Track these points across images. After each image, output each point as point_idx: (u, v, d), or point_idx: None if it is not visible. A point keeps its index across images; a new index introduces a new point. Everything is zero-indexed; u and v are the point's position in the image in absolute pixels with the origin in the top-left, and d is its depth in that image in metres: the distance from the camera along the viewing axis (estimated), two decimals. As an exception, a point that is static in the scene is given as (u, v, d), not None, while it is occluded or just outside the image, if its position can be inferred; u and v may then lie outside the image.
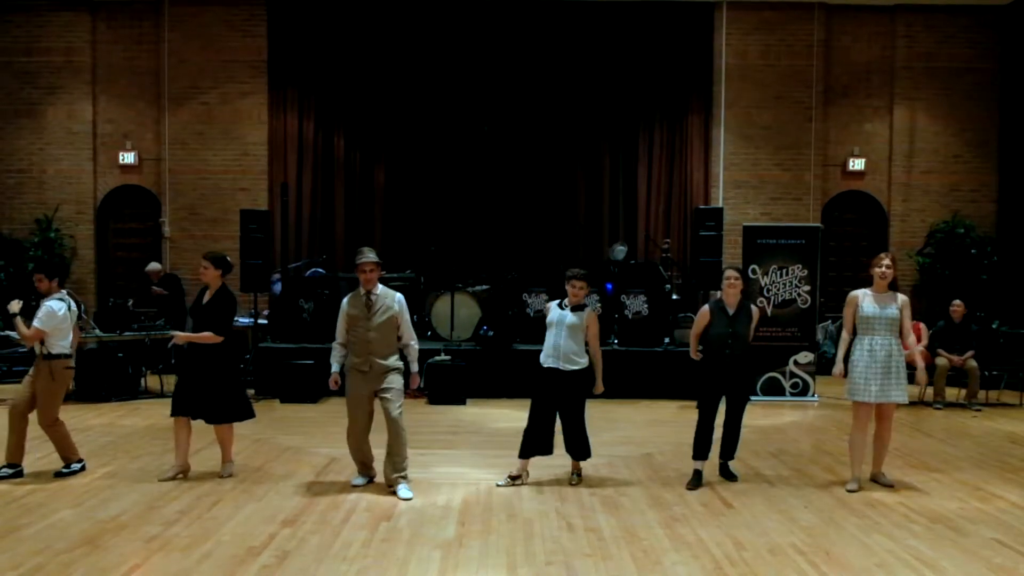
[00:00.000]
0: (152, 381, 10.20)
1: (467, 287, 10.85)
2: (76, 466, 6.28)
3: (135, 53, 12.72)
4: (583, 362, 5.99)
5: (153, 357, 10.27)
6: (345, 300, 5.93)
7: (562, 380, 5.97)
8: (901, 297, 6.06)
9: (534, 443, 6.05)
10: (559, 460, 6.53)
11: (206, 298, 6.14)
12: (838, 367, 6.19)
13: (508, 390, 9.70)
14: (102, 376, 9.52)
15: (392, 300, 5.84)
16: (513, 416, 8.75)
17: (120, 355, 9.67)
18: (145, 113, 12.74)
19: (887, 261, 6.07)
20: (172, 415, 6.14)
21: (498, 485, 6.02)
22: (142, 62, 12.70)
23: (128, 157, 12.73)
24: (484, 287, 11.03)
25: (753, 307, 6.28)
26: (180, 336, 6.14)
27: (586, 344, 6.05)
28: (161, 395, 9.85)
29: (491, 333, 10.21)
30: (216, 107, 12.63)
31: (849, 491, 5.97)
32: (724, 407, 6.27)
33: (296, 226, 12.78)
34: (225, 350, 6.13)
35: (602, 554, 4.65)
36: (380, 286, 5.87)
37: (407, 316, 5.93)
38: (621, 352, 10.07)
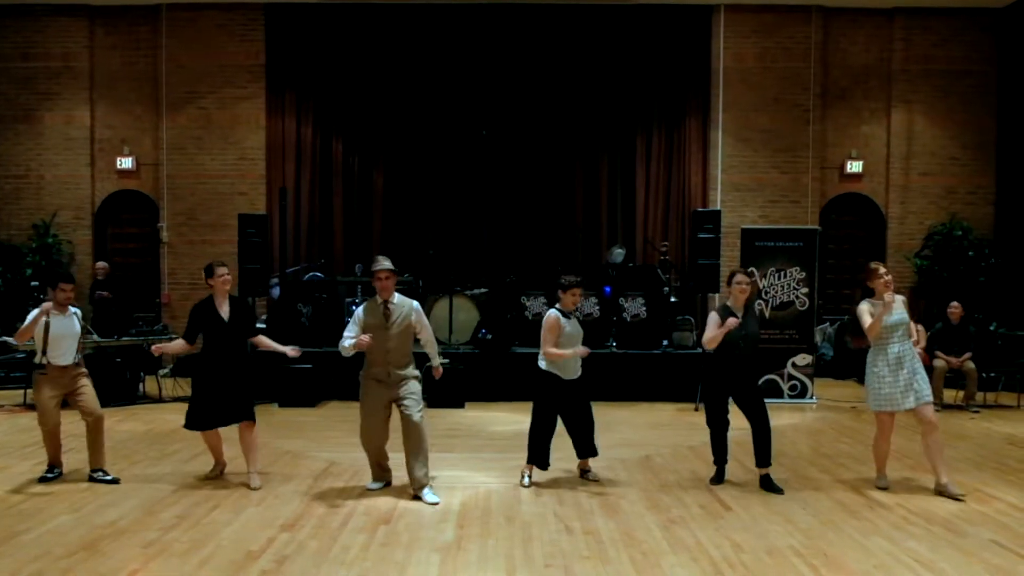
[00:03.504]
0: (150, 386, 10.19)
1: (465, 290, 10.85)
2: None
3: (133, 58, 12.74)
4: None
5: (151, 362, 10.27)
6: (360, 308, 5.90)
7: (578, 386, 6.15)
8: (900, 297, 6.04)
9: (544, 452, 6.15)
10: (559, 463, 6.53)
11: (227, 310, 6.04)
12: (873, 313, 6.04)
13: (507, 393, 9.71)
14: (100, 381, 9.42)
15: (409, 308, 5.84)
16: (511, 419, 8.76)
17: (118, 360, 9.66)
18: (143, 118, 12.76)
19: (884, 268, 6.02)
20: (199, 430, 6.09)
21: (524, 486, 6.12)
22: (140, 67, 12.72)
23: (126, 162, 12.74)
24: (482, 290, 11.04)
25: (756, 305, 6.29)
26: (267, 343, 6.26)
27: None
28: (159, 400, 9.86)
29: (490, 336, 10.21)
30: (214, 112, 12.64)
31: (880, 488, 6.05)
32: (738, 411, 6.23)
33: (294, 230, 12.79)
34: (247, 351, 6.21)
35: (600, 557, 4.65)
36: (397, 295, 5.86)
37: (425, 320, 5.91)
38: (619, 355, 10.07)
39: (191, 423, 6.06)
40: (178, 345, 6.24)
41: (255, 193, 12.64)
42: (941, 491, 5.95)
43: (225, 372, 6.03)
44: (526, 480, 6.16)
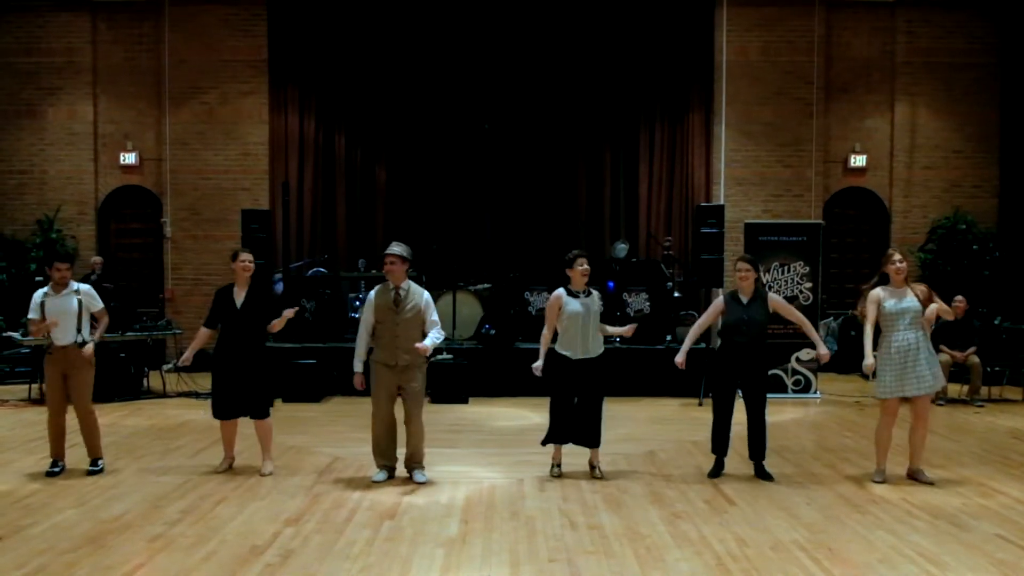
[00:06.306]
0: (155, 381, 10.21)
1: (469, 285, 10.85)
2: (101, 463, 6.33)
3: (135, 53, 12.74)
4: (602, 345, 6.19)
5: (155, 357, 10.30)
6: (373, 292, 6.03)
7: (590, 367, 6.08)
8: (917, 286, 6.07)
9: (563, 431, 6.18)
10: (562, 458, 6.54)
11: (242, 297, 6.12)
12: (868, 360, 6.10)
13: (510, 388, 9.70)
14: (105, 376, 9.46)
15: (420, 297, 5.95)
16: (515, 414, 8.77)
17: (122, 355, 9.67)
18: (146, 113, 12.76)
19: (898, 255, 6.08)
20: (221, 419, 6.22)
21: (554, 476, 6.17)
22: (143, 62, 12.72)
23: (129, 157, 12.75)
24: (486, 285, 11.03)
25: (771, 295, 6.28)
26: (277, 324, 6.19)
27: None
28: (164, 395, 9.88)
29: (493, 331, 10.21)
30: (217, 107, 12.64)
31: (876, 482, 6.03)
32: (743, 406, 6.25)
33: (297, 225, 12.79)
34: (264, 342, 6.25)
35: (605, 551, 4.65)
36: (410, 282, 5.96)
37: (433, 311, 5.99)
38: (623, 350, 10.06)
39: (214, 412, 6.25)
40: (202, 335, 6.26)
41: (258, 188, 12.64)
42: (913, 475, 6.16)
43: (237, 362, 6.12)
44: (556, 470, 6.22)
